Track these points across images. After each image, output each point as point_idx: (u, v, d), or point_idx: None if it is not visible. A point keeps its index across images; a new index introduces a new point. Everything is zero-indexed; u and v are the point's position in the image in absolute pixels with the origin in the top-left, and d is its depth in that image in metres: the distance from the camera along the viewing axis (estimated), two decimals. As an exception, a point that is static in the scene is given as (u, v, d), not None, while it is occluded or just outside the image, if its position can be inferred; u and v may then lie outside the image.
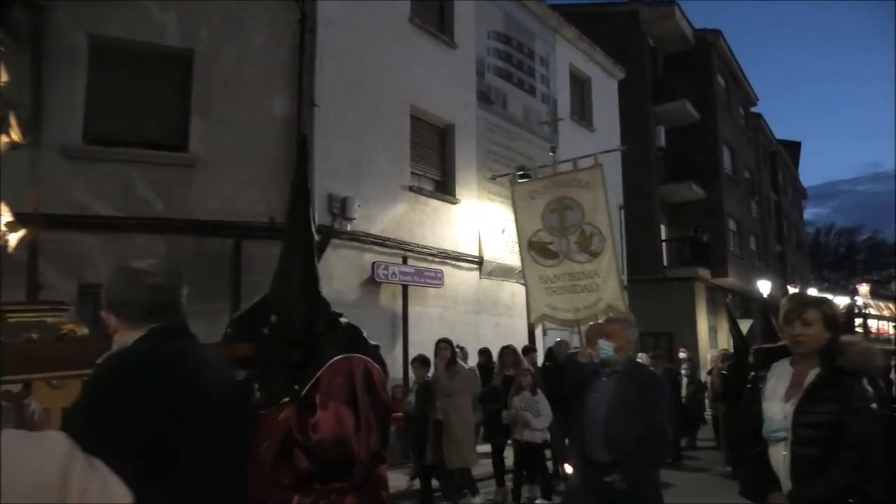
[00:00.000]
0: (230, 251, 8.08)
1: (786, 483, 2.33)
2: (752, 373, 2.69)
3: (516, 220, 7.84)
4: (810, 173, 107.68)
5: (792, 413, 2.33)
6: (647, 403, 3.18)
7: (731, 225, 22.21)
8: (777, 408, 2.40)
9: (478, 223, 11.64)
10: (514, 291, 11.73)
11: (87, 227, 7.35)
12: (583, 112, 16.09)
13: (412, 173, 10.70)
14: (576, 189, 7.37)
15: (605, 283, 6.98)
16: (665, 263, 19.73)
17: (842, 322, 2.57)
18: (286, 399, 2.12)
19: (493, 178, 11.46)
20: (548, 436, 6.58)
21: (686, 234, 20.42)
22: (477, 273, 11.57)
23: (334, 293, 8.88)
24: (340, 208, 9.11)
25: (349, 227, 9.27)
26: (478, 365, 8.68)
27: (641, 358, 11.24)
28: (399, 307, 9.84)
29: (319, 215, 8.90)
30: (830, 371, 2.36)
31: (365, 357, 2.25)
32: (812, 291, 18.61)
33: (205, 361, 1.52)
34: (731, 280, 20.91)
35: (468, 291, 11.29)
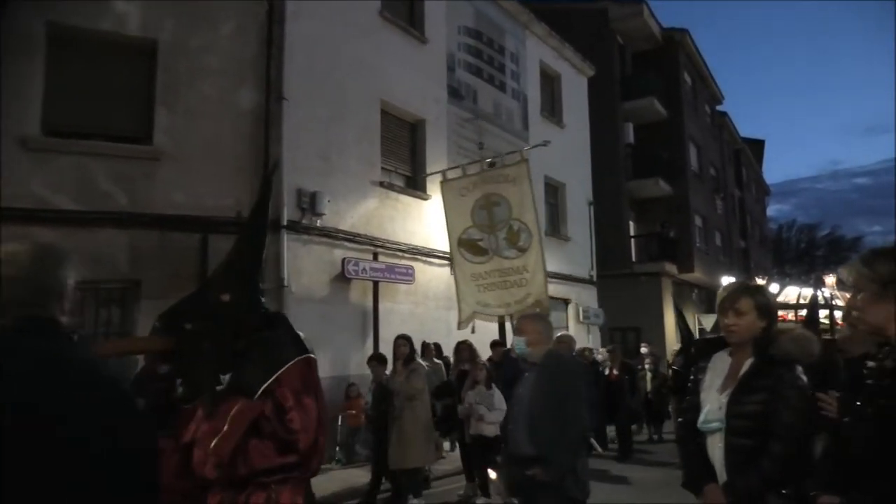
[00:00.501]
0: (196, 246, 7.96)
1: (722, 474, 2.32)
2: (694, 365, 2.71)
3: (447, 219, 7.81)
4: (773, 171, 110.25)
5: (726, 404, 2.33)
6: (563, 391, 3.28)
7: (697, 221, 22.68)
8: (713, 398, 2.39)
9: (448, 219, 11.65)
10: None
11: (46, 222, 7.15)
12: (553, 108, 16.24)
13: (382, 168, 10.67)
14: (503, 184, 7.41)
15: (533, 278, 7.07)
16: (633, 259, 20.07)
17: (776, 310, 2.60)
18: (211, 393, 2.11)
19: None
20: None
21: (653, 230, 20.76)
22: (448, 269, 11.60)
23: (304, 289, 8.85)
24: (310, 203, 9.04)
25: (319, 223, 9.21)
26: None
27: (602, 353, 11.47)
28: (370, 303, 9.82)
29: (288, 210, 8.84)
30: (763, 360, 2.34)
31: (314, 356, 2.30)
32: (774, 285, 19.09)
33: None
34: (696, 275, 21.37)
35: (439, 287, 11.31)
